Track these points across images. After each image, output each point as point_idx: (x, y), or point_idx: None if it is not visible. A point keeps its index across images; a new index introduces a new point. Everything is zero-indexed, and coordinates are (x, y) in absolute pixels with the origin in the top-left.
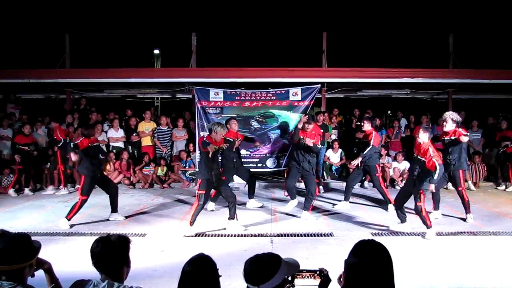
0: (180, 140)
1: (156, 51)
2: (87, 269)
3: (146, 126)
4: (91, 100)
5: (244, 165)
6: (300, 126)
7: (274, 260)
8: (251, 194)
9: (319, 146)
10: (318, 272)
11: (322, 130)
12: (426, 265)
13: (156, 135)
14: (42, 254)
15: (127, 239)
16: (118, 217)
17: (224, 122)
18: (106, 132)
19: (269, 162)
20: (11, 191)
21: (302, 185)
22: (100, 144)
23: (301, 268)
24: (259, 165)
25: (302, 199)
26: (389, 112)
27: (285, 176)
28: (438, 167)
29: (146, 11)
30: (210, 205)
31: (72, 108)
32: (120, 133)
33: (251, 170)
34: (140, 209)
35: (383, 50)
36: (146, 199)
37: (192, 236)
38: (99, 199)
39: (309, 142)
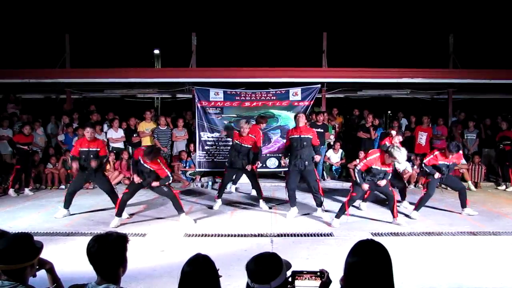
0: (180, 140)
1: (156, 51)
2: (87, 269)
3: (147, 126)
4: (91, 100)
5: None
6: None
7: (276, 257)
8: (258, 195)
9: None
10: (318, 274)
11: (322, 130)
12: (426, 265)
13: (155, 136)
14: (42, 254)
15: (125, 238)
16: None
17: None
18: (106, 132)
19: (269, 163)
20: (11, 191)
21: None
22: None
23: (301, 269)
24: (259, 165)
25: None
26: (389, 112)
27: (286, 179)
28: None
29: (146, 11)
30: (217, 204)
31: (74, 108)
32: (120, 133)
33: None
34: (140, 209)
35: (383, 50)
36: (146, 199)
37: (192, 235)
38: (99, 199)
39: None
